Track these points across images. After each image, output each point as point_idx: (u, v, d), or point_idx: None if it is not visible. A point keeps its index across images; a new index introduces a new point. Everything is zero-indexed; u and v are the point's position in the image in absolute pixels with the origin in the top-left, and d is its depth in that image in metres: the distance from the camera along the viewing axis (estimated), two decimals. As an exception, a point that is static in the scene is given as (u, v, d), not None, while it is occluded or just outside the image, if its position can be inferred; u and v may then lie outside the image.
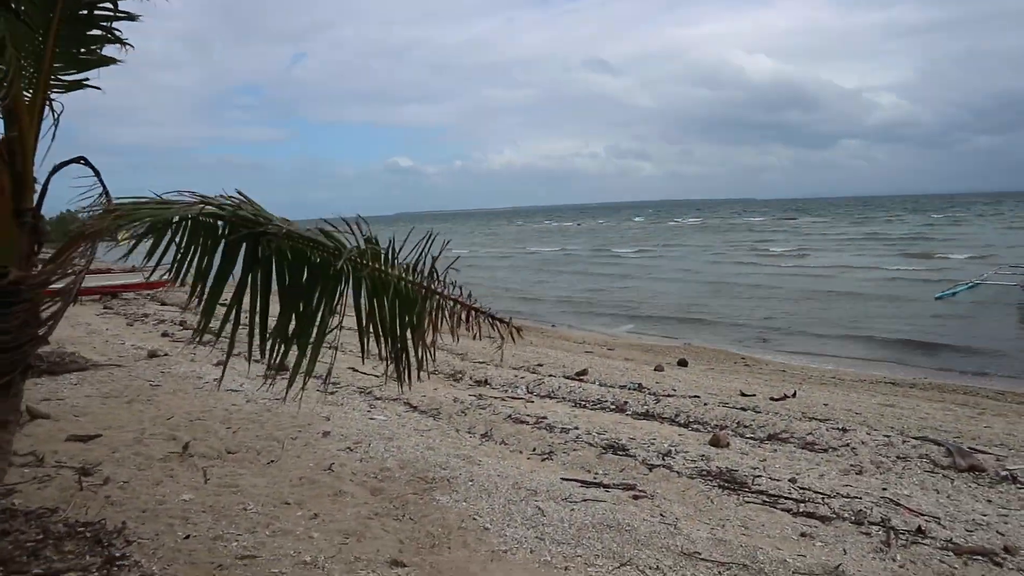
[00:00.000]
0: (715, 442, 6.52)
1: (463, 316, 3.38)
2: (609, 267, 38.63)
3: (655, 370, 11.67)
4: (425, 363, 3.58)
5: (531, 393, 9.34)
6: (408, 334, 3.38)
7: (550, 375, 10.85)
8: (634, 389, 9.81)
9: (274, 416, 7.24)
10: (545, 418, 7.42)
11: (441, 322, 3.41)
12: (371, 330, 3.50)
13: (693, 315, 21.11)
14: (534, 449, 6.34)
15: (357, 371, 9.99)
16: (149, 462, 5.68)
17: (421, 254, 3.39)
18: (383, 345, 3.57)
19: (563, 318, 21.92)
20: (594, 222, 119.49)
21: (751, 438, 6.98)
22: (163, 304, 20.20)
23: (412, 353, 3.47)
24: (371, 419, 7.19)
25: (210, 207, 3.30)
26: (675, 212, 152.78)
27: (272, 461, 5.86)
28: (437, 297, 3.34)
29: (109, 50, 3.76)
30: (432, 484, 5.30)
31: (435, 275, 3.39)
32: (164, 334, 13.75)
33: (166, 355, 10.99)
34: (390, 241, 3.47)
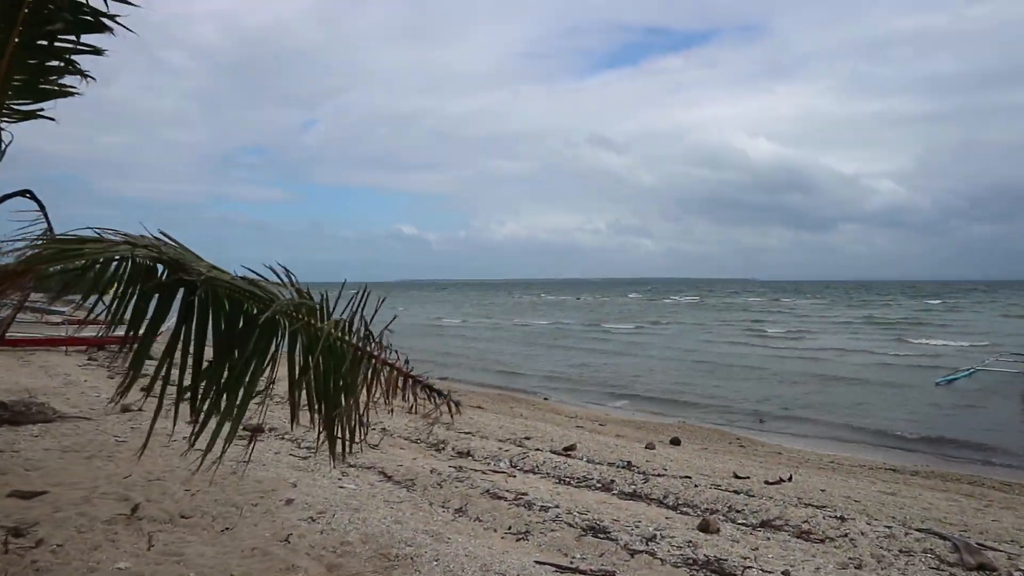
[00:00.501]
0: (704, 527, 6.08)
1: (399, 384, 3.07)
2: (604, 343, 38.24)
3: (646, 448, 11.23)
4: (360, 434, 3.26)
5: (514, 467, 8.91)
6: (342, 398, 3.06)
7: (536, 449, 10.41)
8: (623, 467, 9.37)
9: (239, 479, 6.82)
10: (525, 494, 6.99)
11: (377, 389, 3.11)
12: (303, 389, 3.18)
13: (688, 393, 20.66)
14: (509, 528, 5.91)
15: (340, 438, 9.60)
16: (92, 524, 5.26)
17: (355, 312, 3.11)
18: (315, 409, 3.26)
19: (556, 392, 21.46)
20: (592, 297, 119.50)
21: (743, 524, 6.54)
22: (150, 358, 19.79)
23: (347, 420, 3.15)
24: (340, 487, 6.76)
25: (142, 249, 3.03)
26: (674, 289, 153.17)
27: (227, 528, 5.44)
28: (373, 360, 3.05)
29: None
30: (394, 562, 4.87)
31: (371, 337, 3.10)
32: (143, 388, 13.31)
33: (140, 410, 10.56)
34: (323, 295, 3.21)
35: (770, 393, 20.45)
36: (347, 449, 3.22)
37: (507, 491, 7.05)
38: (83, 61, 3.48)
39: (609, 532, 5.81)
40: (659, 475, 8.83)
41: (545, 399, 20.08)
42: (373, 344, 3.05)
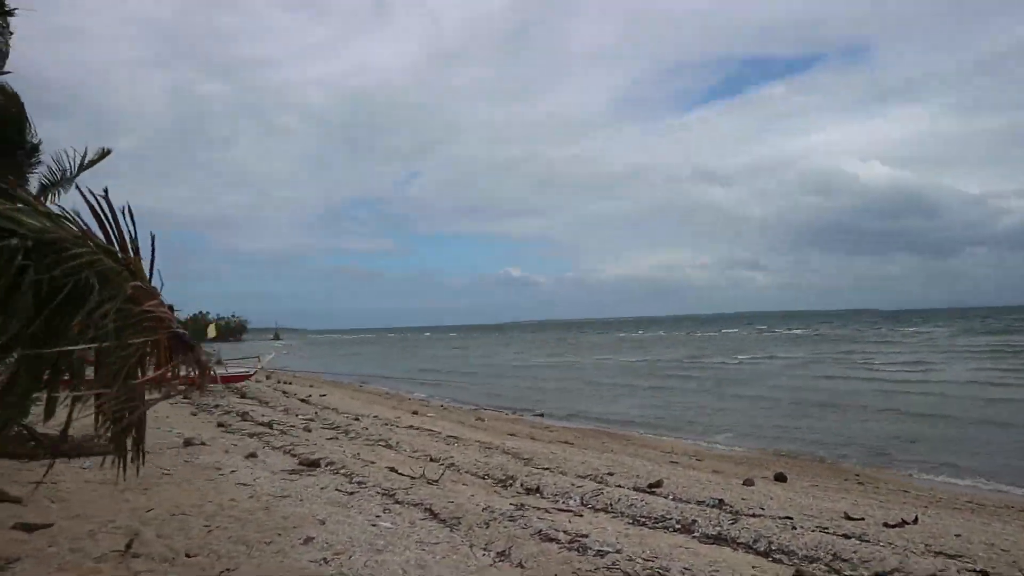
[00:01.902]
0: (798, 580, 4.90)
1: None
2: (706, 377, 36.18)
3: (744, 484, 9.92)
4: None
5: (584, 505, 7.89)
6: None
7: (618, 485, 9.34)
8: (712, 506, 8.16)
9: (268, 515, 6.20)
10: (585, 536, 5.99)
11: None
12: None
13: (799, 427, 18.81)
14: None
15: (396, 471, 8.90)
16: (79, 561, 4.72)
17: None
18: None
19: (653, 428, 20.09)
20: (700, 333, 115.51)
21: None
22: (243, 397, 19.99)
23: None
24: (373, 525, 6.00)
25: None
26: (788, 323, 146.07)
27: (227, 570, 4.76)
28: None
29: None
30: (398, 615, 4.03)
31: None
32: (219, 424, 13.20)
33: (203, 444, 10.29)
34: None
35: (895, 428, 18.30)
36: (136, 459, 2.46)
37: (564, 533, 6.06)
38: None
39: (674, 584, 4.74)
40: (753, 515, 7.59)
41: (641, 434, 18.81)
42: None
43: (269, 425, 13.29)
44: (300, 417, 15.80)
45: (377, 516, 6.39)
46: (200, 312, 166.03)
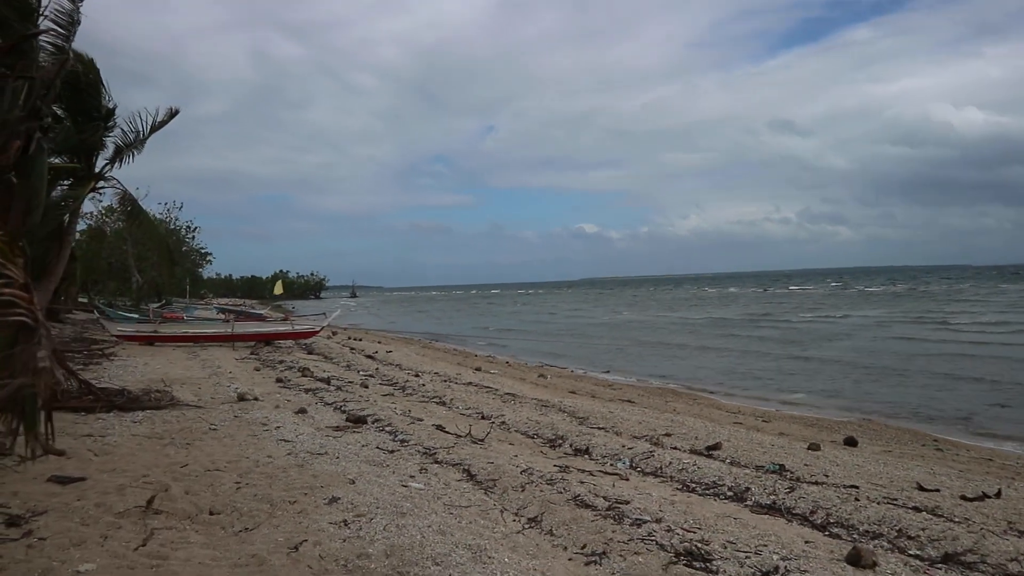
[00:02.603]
0: (855, 559, 4.44)
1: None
2: (780, 334, 34.89)
3: (809, 449, 9.33)
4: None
5: (633, 468, 7.54)
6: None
7: (673, 447, 8.93)
8: (773, 471, 7.69)
9: (300, 472, 6.09)
10: (627, 503, 5.64)
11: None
12: None
13: (876, 389, 17.83)
14: (584, 546, 4.62)
15: (444, 430, 8.73)
16: (102, 515, 4.68)
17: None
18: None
19: (722, 386, 19.44)
20: (781, 289, 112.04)
21: (915, 556, 4.78)
22: (309, 353, 20.35)
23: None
24: (404, 486, 5.80)
25: None
26: (874, 278, 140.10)
27: (245, 529, 4.64)
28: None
29: None
30: (405, 585, 3.79)
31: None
32: (278, 379, 13.36)
33: (256, 399, 10.38)
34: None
35: (979, 392, 17.12)
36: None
37: (604, 499, 5.73)
38: None
39: (711, 560, 4.35)
40: (815, 483, 7.08)
41: (711, 393, 18.23)
42: None
43: (327, 381, 13.38)
44: (361, 373, 15.89)
45: (411, 476, 6.20)
46: (280, 270, 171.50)
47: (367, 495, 5.42)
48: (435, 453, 7.26)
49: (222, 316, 29.40)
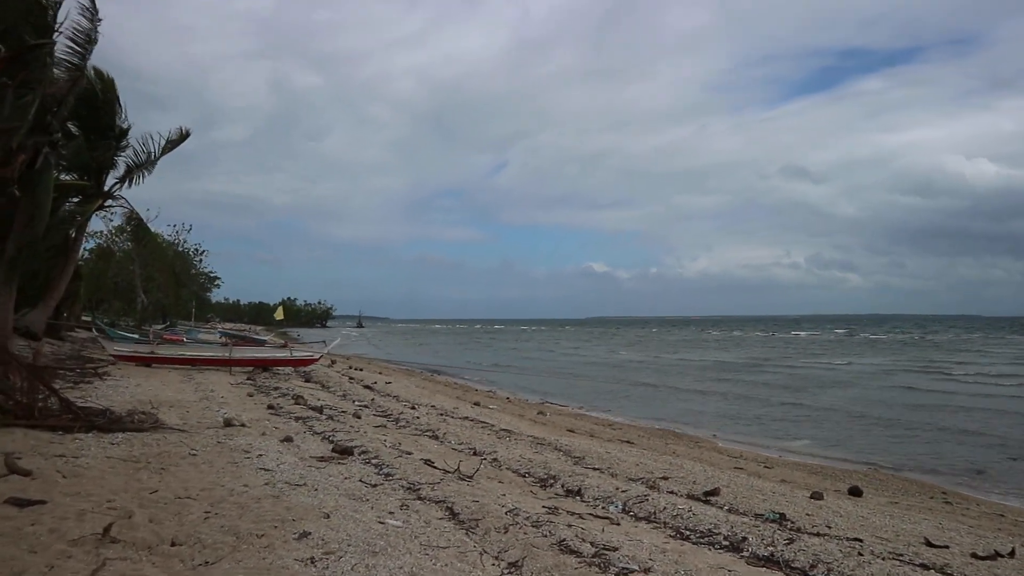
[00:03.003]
0: (856, 621, 4.11)
1: None
2: (791, 376, 34.41)
3: (811, 498, 8.98)
4: None
5: (626, 512, 7.21)
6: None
7: (670, 491, 8.60)
8: (772, 520, 7.34)
9: (274, 504, 5.80)
10: (615, 550, 5.33)
11: None
12: None
13: (883, 438, 17.40)
14: (564, 595, 4.31)
15: (432, 465, 8.42)
16: (54, 542, 4.40)
17: None
18: None
19: (725, 430, 19.05)
20: (785, 334, 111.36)
21: (922, 621, 4.45)
22: (307, 381, 20.06)
23: None
24: (380, 523, 5.50)
25: None
26: (882, 326, 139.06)
27: (205, 563, 4.35)
28: None
29: None
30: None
31: None
32: (270, 407, 13.07)
33: (242, 425, 10.10)
34: None
35: (987, 445, 16.67)
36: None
37: (591, 544, 5.42)
38: None
39: (700, 616, 4.04)
40: (816, 534, 6.74)
41: (713, 436, 17.85)
42: None
43: (320, 410, 13.09)
44: (356, 403, 15.61)
45: (390, 513, 5.90)
46: (287, 298, 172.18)
47: (340, 531, 5.13)
48: (419, 489, 6.96)
49: (224, 340, 29.26)
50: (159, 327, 39.01)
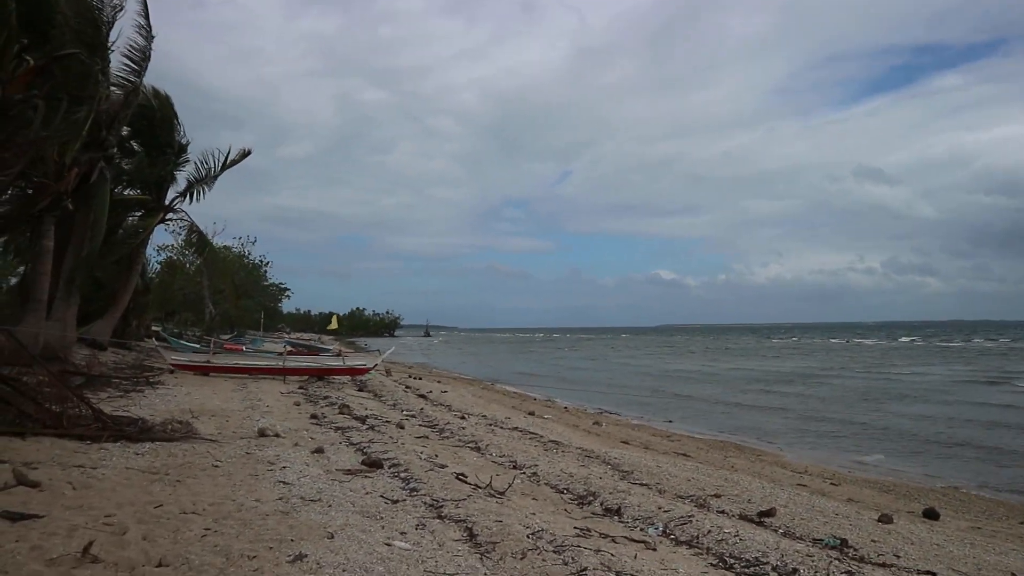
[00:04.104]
0: None
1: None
2: (867, 384, 32.67)
3: (879, 521, 8.16)
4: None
5: (666, 534, 6.61)
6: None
7: (720, 511, 7.95)
8: (832, 547, 6.63)
9: (280, 521, 5.46)
10: (643, 579, 4.77)
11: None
12: None
13: (970, 451, 16.13)
14: (573, 635, 3.79)
15: (464, 479, 7.98)
16: (29, 561, 4.12)
17: None
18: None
19: (791, 442, 18.04)
20: (863, 340, 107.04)
21: None
22: (360, 390, 19.95)
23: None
24: (387, 544, 5.09)
25: None
26: (968, 333, 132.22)
27: (185, 589, 4.01)
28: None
29: None
30: None
31: None
32: (313, 416, 12.90)
33: (276, 435, 9.88)
34: None
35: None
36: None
37: (616, 573, 4.87)
38: None
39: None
40: (883, 564, 6.03)
41: (779, 449, 16.92)
42: None
43: (363, 419, 12.84)
44: (404, 412, 15.33)
45: (402, 533, 5.48)
46: (356, 308, 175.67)
47: (340, 554, 4.73)
48: (442, 506, 6.52)
49: (287, 350, 29.59)
50: (225, 337, 39.92)
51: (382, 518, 5.90)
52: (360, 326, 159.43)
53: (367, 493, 6.83)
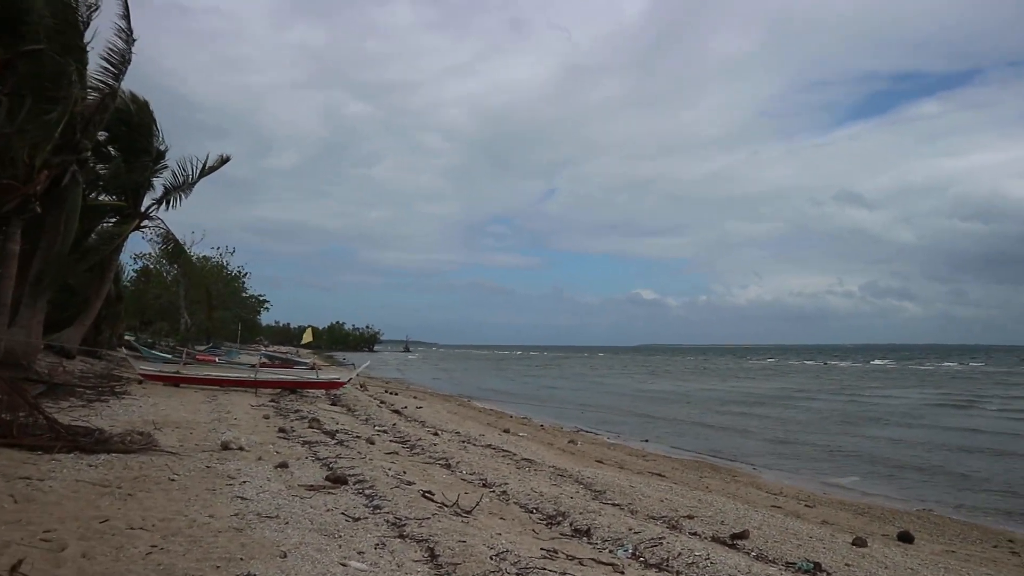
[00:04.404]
0: None
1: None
2: (842, 407, 32.75)
3: (854, 544, 8.02)
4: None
5: (636, 557, 6.42)
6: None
7: (692, 533, 7.78)
8: (805, 571, 6.49)
9: (232, 539, 5.22)
10: (608, 604, 4.58)
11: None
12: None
13: (945, 473, 16.12)
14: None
15: (430, 497, 7.74)
16: (-51, 584, 3.89)
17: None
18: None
19: (767, 463, 17.95)
20: (837, 362, 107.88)
21: None
22: (333, 404, 19.62)
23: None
24: (342, 565, 4.86)
25: None
26: (942, 356, 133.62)
27: (118, 612, 3.77)
28: None
29: None
30: None
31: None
32: (281, 430, 12.59)
33: (240, 449, 9.60)
34: None
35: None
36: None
37: (580, 597, 4.68)
38: None
39: None
40: (856, 592, 5.86)
41: (754, 469, 16.81)
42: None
43: (332, 434, 12.56)
44: (376, 428, 15.04)
45: (360, 553, 5.26)
46: (337, 321, 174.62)
47: (291, 574, 4.51)
48: (405, 525, 6.30)
49: (263, 362, 29.16)
50: (201, 348, 39.34)
51: (340, 536, 5.67)
52: (339, 340, 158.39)
53: (328, 510, 6.59)
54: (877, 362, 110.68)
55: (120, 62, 18.24)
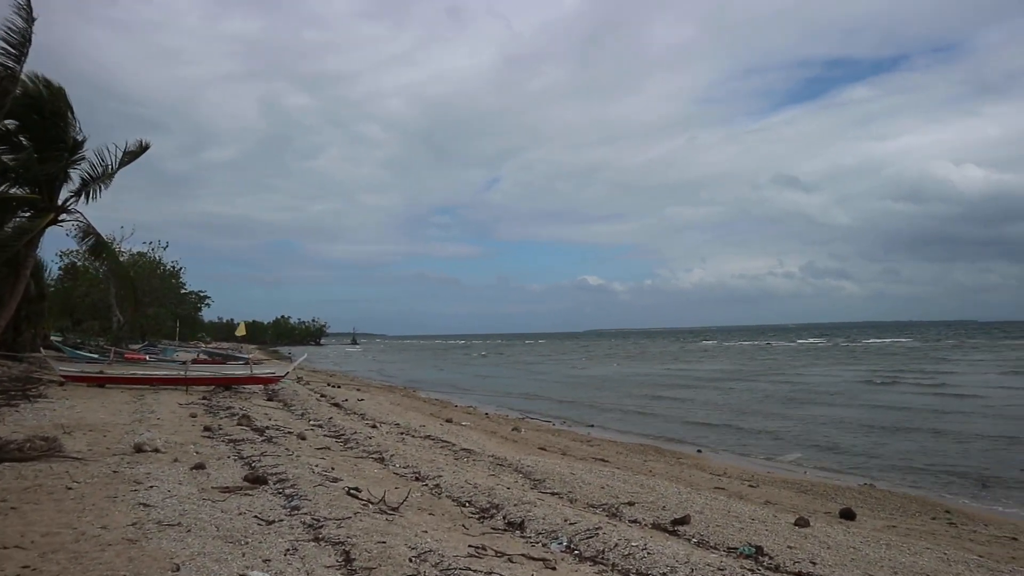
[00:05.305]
0: None
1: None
2: (784, 386, 33.30)
3: (796, 524, 7.88)
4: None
5: (570, 550, 6.10)
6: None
7: (632, 520, 7.52)
8: (747, 556, 6.26)
9: (120, 552, 4.70)
10: (535, 605, 4.22)
11: None
12: None
13: (884, 447, 16.32)
14: None
15: (355, 495, 7.29)
16: None
17: None
18: None
19: (712, 444, 17.95)
20: (776, 342, 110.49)
21: None
22: (270, 400, 18.91)
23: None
24: (249, 573, 4.40)
25: None
26: (880, 333, 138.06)
27: (-38, 648, 3.25)
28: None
29: None
30: None
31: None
32: (207, 428, 11.94)
33: (155, 451, 8.98)
34: None
35: (999, 449, 15.62)
36: None
37: (504, 598, 4.31)
38: None
39: None
40: (798, 572, 5.67)
41: (699, 451, 16.76)
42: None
43: (262, 431, 11.96)
44: (311, 423, 14.46)
45: (266, 561, 4.79)
46: (282, 316, 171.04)
47: (179, 591, 4.03)
48: (322, 526, 5.84)
49: (195, 358, 28.12)
50: (135, 347, 37.84)
51: (247, 543, 5.18)
52: (285, 334, 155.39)
53: (240, 514, 6.08)
54: (805, 340, 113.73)
55: (20, 42, 17.08)
